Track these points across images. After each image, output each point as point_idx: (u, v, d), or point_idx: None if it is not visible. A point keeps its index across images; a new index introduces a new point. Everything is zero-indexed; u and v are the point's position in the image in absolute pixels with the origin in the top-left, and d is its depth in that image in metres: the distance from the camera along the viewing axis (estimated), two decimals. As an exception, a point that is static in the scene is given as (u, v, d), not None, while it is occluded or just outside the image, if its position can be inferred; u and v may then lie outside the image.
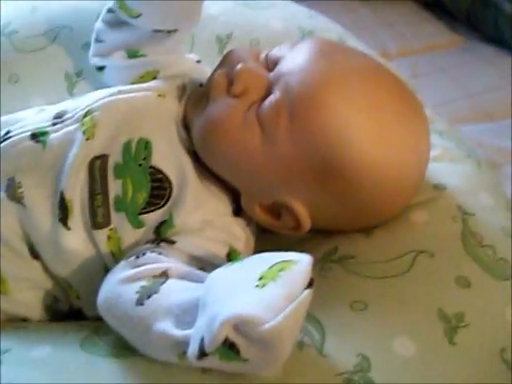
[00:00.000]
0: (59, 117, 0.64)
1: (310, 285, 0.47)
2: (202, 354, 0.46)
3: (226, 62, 0.64)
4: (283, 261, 0.49)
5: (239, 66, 0.61)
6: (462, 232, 0.63)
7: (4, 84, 0.76)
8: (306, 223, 0.61)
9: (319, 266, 0.61)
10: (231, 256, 0.60)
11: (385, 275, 0.60)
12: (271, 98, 0.59)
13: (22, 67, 0.77)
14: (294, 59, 0.61)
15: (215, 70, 0.64)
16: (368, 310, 0.57)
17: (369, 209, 0.61)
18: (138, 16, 0.66)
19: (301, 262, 0.48)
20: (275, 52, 0.63)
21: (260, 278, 0.47)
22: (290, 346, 0.45)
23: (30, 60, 0.78)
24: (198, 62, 0.73)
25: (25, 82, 0.77)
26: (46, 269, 0.62)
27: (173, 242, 0.59)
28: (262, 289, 0.47)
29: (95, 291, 0.56)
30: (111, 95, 0.64)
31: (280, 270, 0.47)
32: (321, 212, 0.60)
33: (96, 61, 0.72)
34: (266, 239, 0.65)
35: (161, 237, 0.59)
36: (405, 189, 0.61)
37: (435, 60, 1.41)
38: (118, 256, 0.59)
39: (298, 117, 0.58)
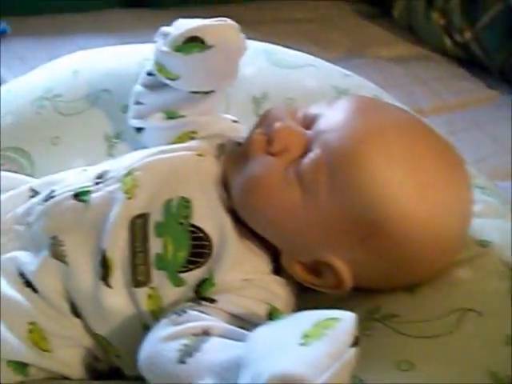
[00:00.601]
0: (101, 177, 0.65)
1: (355, 343, 0.46)
2: (247, 412, 0.45)
3: (264, 120, 0.64)
4: (327, 318, 0.48)
5: (278, 125, 0.61)
6: (510, 289, 0.61)
7: (46, 146, 0.78)
8: (348, 281, 0.60)
9: (362, 324, 0.60)
10: (272, 315, 0.59)
11: (431, 334, 0.58)
12: (311, 156, 0.59)
13: (63, 130, 0.79)
14: (333, 117, 0.61)
15: (253, 129, 0.64)
16: (414, 370, 0.55)
17: (412, 266, 0.60)
18: (176, 78, 0.67)
19: (345, 320, 0.47)
20: (312, 110, 0.64)
21: (304, 336, 0.47)
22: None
23: (71, 123, 0.79)
24: (235, 121, 0.73)
25: (66, 143, 0.78)
26: (86, 327, 0.62)
27: (213, 301, 0.58)
28: (306, 347, 0.46)
29: (135, 350, 0.55)
30: (152, 155, 0.65)
31: (324, 328, 0.47)
32: (363, 270, 0.59)
33: (135, 122, 0.74)
34: (307, 297, 0.63)
35: (201, 295, 0.59)
36: (448, 244, 0.60)
37: (470, 116, 1.40)
38: (158, 314, 0.59)
39: (339, 174, 0.58)
